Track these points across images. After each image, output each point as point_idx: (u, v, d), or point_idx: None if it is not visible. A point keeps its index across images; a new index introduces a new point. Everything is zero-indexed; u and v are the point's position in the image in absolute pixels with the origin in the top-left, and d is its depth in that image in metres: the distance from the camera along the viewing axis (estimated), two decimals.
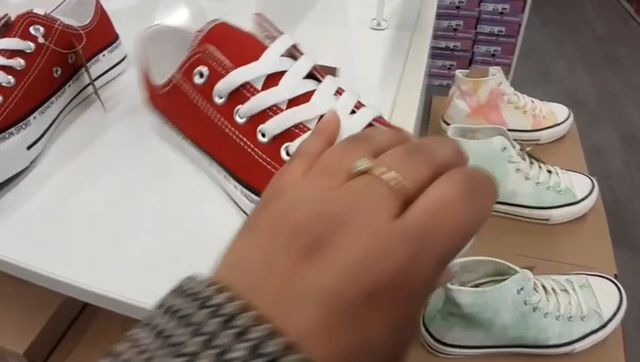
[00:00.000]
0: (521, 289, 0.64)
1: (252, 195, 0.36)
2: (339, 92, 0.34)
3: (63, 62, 0.50)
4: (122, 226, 0.41)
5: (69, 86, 0.52)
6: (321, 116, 0.32)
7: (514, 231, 0.87)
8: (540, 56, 2.36)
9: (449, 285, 0.64)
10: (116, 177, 0.45)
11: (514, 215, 0.88)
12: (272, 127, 0.32)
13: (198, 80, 0.36)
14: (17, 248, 0.39)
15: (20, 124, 0.45)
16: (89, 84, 0.54)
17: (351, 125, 0.32)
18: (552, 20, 2.66)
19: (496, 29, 1.77)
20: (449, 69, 1.90)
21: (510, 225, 0.88)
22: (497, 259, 0.68)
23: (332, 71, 0.40)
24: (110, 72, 0.57)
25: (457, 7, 1.76)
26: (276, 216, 0.21)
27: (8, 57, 0.45)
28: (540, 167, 0.86)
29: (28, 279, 0.39)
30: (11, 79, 0.45)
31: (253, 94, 0.34)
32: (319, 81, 0.36)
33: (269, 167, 0.34)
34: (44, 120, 0.48)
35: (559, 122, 1.02)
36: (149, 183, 0.45)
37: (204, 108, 0.36)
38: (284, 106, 0.33)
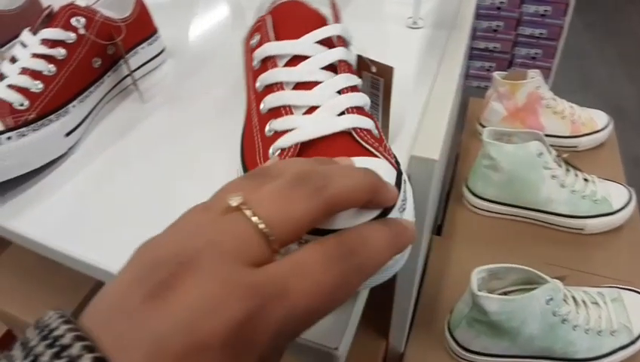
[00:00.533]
0: (551, 299, 0.62)
1: (240, 164, 0.36)
2: (343, 91, 0.33)
3: (103, 53, 0.51)
4: (156, 215, 0.41)
5: (108, 76, 0.53)
6: (312, 107, 0.32)
7: (546, 239, 0.85)
8: (582, 61, 2.30)
9: (477, 291, 0.63)
10: (151, 167, 0.46)
11: (547, 223, 0.86)
12: (269, 100, 0.34)
13: (252, 44, 0.38)
14: (53, 232, 0.41)
15: (60, 112, 0.46)
16: (127, 75, 0.55)
17: (325, 126, 0.32)
18: (595, 25, 2.58)
19: (537, 32, 1.73)
20: (488, 70, 1.86)
21: (543, 233, 0.86)
22: (528, 268, 0.66)
23: (389, 70, 0.39)
24: (148, 64, 0.59)
25: (498, 8, 1.72)
26: (149, 247, 0.20)
27: (50, 47, 0.46)
28: (576, 174, 0.84)
29: (62, 262, 0.40)
30: (52, 68, 0.46)
31: (272, 68, 0.35)
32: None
33: (255, 137, 0.34)
34: (83, 108, 0.50)
35: (598, 129, 0.99)
36: (184, 174, 0.45)
37: (248, 69, 0.39)
38: (289, 87, 0.34)
